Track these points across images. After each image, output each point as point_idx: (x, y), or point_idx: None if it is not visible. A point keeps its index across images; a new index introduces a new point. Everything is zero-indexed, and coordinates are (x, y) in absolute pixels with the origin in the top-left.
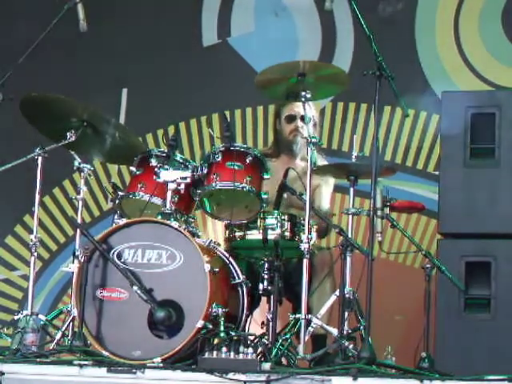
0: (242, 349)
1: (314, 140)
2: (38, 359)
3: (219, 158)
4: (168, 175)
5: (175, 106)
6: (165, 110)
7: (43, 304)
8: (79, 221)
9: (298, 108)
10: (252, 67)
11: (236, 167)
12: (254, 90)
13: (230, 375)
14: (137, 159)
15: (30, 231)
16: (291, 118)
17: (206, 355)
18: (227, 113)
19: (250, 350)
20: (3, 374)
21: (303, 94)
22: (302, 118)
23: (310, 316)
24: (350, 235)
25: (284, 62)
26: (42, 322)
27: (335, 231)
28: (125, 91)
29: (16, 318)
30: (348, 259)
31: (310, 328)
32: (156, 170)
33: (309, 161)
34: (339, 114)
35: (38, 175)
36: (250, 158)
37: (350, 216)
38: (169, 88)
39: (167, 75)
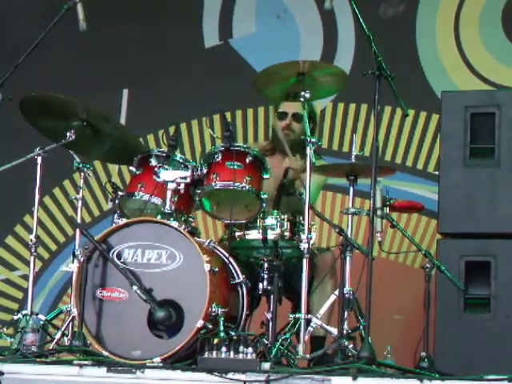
0: (241, 349)
1: (313, 140)
2: (38, 359)
3: (219, 158)
4: (168, 175)
5: (176, 106)
6: (166, 111)
7: (43, 304)
8: (79, 221)
9: (291, 106)
10: (253, 68)
11: (236, 167)
12: (254, 91)
13: (230, 375)
14: (137, 159)
15: (30, 231)
16: (283, 115)
17: (206, 355)
18: (228, 114)
19: (250, 349)
20: (3, 373)
21: (302, 93)
22: (294, 116)
23: (309, 316)
24: (349, 235)
25: (283, 62)
26: (41, 322)
27: (335, 231)
28: (125, 92)
29: (16, 317)
30: (348, 259)
31: (309, 328)
32: (156, 169)
33: (308, 160)
34: (340, 114)
35: (38, 175)
36: (250, 158)
37: (350, 216)
38: (170, 89)
39: (168, 76)
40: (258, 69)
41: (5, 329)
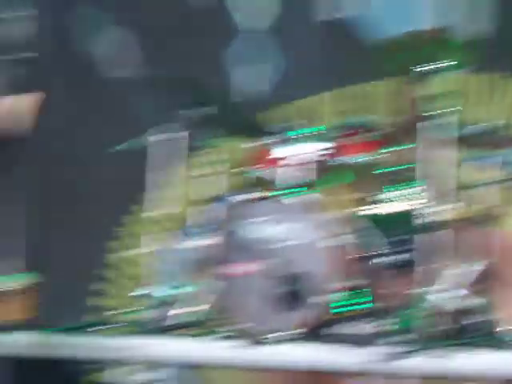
0: (370, 323)
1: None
2: (165, 333)
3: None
4: (299, 149)
5: None
6: None
7: (167, 281)
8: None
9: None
10: None
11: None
12: None
13: (359, 350)
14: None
15: (154, 209)
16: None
17: (333, 329)
18: None
19: (378, 323)
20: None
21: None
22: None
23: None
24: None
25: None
26: (165, 297)
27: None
28: None
29: (138, 293)
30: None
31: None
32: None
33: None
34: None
35: (158, 156)
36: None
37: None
38: None
39: None
40: None
41: (134, 303)
